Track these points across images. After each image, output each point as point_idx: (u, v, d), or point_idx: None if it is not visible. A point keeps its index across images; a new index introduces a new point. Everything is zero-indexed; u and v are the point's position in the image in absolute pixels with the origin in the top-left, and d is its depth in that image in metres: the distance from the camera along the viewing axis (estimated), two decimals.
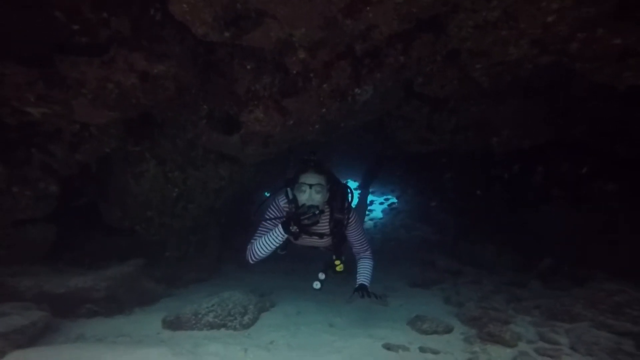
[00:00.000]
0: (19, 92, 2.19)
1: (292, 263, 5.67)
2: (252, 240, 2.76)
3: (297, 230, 2.61)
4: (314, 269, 2.88)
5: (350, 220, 2.75)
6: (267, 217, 2.72)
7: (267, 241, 2.65)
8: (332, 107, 2.87)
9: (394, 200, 10.36)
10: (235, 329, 2.99)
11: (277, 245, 2.66)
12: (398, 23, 2.06)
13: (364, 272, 2.93)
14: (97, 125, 2.59)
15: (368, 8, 1.92)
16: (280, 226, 2.59)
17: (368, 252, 2.99)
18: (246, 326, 3.06)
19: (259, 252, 2.70)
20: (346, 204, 2.74)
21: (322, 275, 2.82)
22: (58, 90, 2.17)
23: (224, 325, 2.99)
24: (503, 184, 5.15)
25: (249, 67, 2.58)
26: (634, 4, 1.76)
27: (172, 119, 3.03)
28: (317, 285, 2.79)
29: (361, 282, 2.87)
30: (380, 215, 10.96)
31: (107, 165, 3.18)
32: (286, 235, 2.60)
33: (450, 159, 5.11)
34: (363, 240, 2.95)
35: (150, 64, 2.21)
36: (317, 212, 2.48)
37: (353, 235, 2.86)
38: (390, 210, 10.19)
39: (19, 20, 1.98)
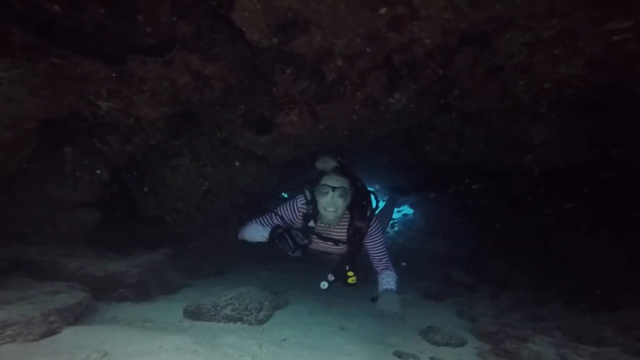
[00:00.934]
0: (96, 87, 2.37)
1: (306, 264, 5.76)
2: (251, 221, 2.77)
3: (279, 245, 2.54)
4: (326, 270, 2.85)
5: (371, 230, 2.62)
6: (278, 212, 2.67)
7: (254, 233, 2.65)
8: (363, 115, 2.90)
9: (409, 211, 10.23)
10: (250, 323, 3.05)
11: (260, 241, 2.65)
12: (442, 37, 2.06)
13: (390, 280, 2.69)
14: (148, 119, 2.74)
15: (414, 22, 1.92)
16: (268, 232, 2.57)
17: (389, 264, 2.79)
18: (261, 322, 3.12)
19: (247, 235, 2.72)
20: (369, 212, 2.61)
21: (331, 277, 2.72)
22: (126, 86, 2.33)
23: (240, 319, 3.05)
24: (528, 206, 5.03)
25: (288, 71, 2.64)
26: None
27: (210, 117, 3.15)
28: (324, 285, 2.71)
29: (389, 287, 2.63)
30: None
31: (147, 157, 3.34)
32: (267, 239, 2.57)
33: (476, 175, 5.01)
34: (384, 251, 2.77)
35: (203, 65, 2.32)
36: (298, 251, 2.47)
37: (373, 245, 2.71)
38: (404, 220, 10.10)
39: (107, 20, 2.13)
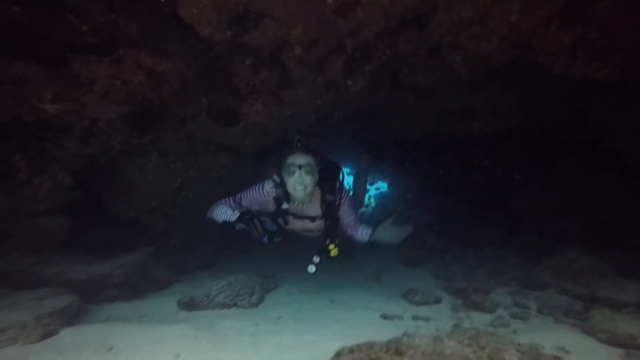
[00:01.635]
0: (38, 90, 2.32)
1: (289, 246, 5.94)
2: (221, 202, 2.77)
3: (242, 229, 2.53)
4: (310, 252, 2.93)
5: (342, 200, 2.68)
6: (247, 194, 2.68)
7: (221, 215, 2.64)
8: (326, 98, 3.09)
9: (383, 188, 10.60)
10: (244, 307, 3.19)
11: (226, 222, 2.63)
12: (385, 21, 2.28)
13: (365, 229, 2.85)
14: (105, 120, 2.74)
15: (358, 8, 2.12)
16: (237, 216, 2.55)
17: (360, 222, 2.91)
18: (254, 305, 3.26)
19: (214, 215, 2.71)
20: (337, 184, 2.66)
21: (316, 259, 2.76)
22: (72, 88, 2.31)
23: (234, 305, 3.19)
24: (485, 169, 5.50)
25: (247, 63, 2.75)
26: (574, 7, 2.05)
27: (173, 113, 3.19)
28: (312, 269, 2.73)
29: (370, 231, 2.78)
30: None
31: (112, 158, 3.32)
32: (233, 222, 2.55)
33: (434, 146, 5.38)
34: (353, 216, 2.86)
35: (156, 62, 2.37)
36: (265, 238, 2.47)
37: (343, 214, 2.78)
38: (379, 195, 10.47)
39: (33, 20, 2.07)
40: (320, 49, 2.70)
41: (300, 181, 2.44)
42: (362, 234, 2.87)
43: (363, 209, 10.70)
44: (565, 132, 3.89)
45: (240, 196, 2.72)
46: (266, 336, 2.53)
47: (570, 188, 4.52)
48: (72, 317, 2.40)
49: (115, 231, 3.83)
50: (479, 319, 2.87)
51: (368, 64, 2.84)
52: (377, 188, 10.70)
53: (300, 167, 2.41)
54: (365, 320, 2.89)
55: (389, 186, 10.62)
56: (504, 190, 5.51)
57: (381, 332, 2.62)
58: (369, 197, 10.55)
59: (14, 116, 2.40)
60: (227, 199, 2.77)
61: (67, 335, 2.18)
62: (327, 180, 2.64)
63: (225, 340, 2.37)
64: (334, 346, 1.67)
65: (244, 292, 3.29)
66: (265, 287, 3.65)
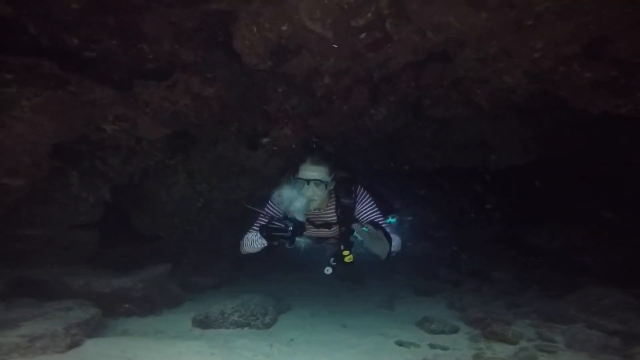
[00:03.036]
0: (103, 111, 2.55)
1: (300, 271, 5.93)
2: (247, 233, 2.62)
3: (268, 238, 2.35)
4: (326, 257, 2.66)
5: (359, 203, 2.47)
6: (265, 212, 2.55)
7: (252, 241, 2.51)
8: (349, 125, 3.25)
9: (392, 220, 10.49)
10: (258, 327, 3.20)
11: (260, 248, 2.49)
12: (413, 56, 2.48)
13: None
14: (149, 140, 2.92)
15: (389, 45, 2.32)
16: (258, 232, 2.42)
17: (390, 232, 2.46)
18: (267, 325, 3.26)
19: (247, 249, 2.56)
20: (353, 187, 2.49)
21: (333, 261, 2.53)
22: (131, 109, 2.53)
23: (248, 325, 3.19)
24: (499, 202, 5.52)
25: (280, 90, 2.95)
26: (596, 46, 2.23)
27: (205, 134, 3.38)
28: (328, 270, 2.51)
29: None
30: None
31: (144, 176, 3.47)
32: (264, 241, 2.38)
33: (450, 177, 5.46)
34: (381, 222, 2.51)
35: (203, 87, 2.58)
36: (290, 228, 2.23)
37: (366, 216, 2.50)
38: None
39: (117, 50, 2.35)
40: (348, 79, 2.89)
41: (313, 194, 2.33)
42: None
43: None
44: (586, 167, 3.96)
45: (260, 218, 2.62)
46: (280, 357, 2.53)
47: (590, 224, 4.50)
48: (95, 329, 2.46)
49: (135, 246, 3.91)
50: (502, 350, 2.80)
51: (392, 95, 3.02)
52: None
53: (308, 182, 2.31)
54: (380, 346, 2.86)
55: (399, 221, 10.48)
56: (520, 223, 5.49)
57: (398, 359, 2.61)
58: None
59: (82, 134, 2.63)
60: (249, 230, 2.67)
61: (90, 346, 2.23)
62: (342, 184, 2.50)
63: (240, 359, 2.38)
64: None
65: (257, 313, 3.30)
66: (278, 309, 3.65)
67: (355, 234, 2.56)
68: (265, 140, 3.44)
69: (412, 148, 4.01)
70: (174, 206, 3.81)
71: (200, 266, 4.53)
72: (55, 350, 2.02)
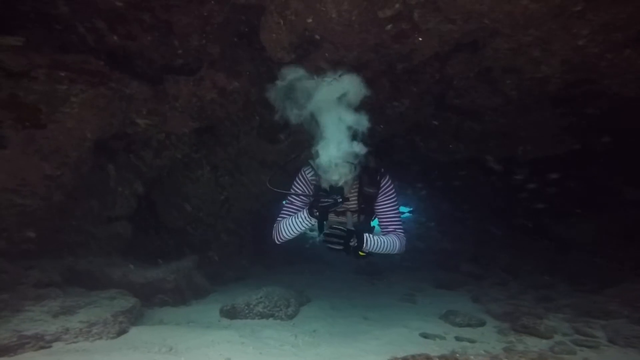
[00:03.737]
0: (138, 106, 2.63)
1: (317, 264, 5.99)
2: (279, 219, 2.51)
3: (322, 217, 2.25)
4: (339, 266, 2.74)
5: (382, 193, 2.37)
6: (294, 190, 2.45)
7: (293, 224, 2.40)
8: (371, 117, 3.19)
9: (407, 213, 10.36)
10: (281, 318, 3.26)
11: (304, 229, 2.39)
12: (440, 46, 2.40)
13: (385, 238, 2.36)
14: (177, 134, 3.00)
15: (416, 34, 2.25)
16: (304, 211, 2.32)
17: (399, 232, 2.48)
18: (290, 317, 3.32)
19: (285, 234, 2.45)
20: (378, 176, 2.38)
21: (353, 241, 2.35)
22: (162, 104, 2.60)
23: (272, 315, 3.27)
24: (525, 193, 5.32)
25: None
26: None
27: (229, 129, 3.42)
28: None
29: (369, 236, 2.29)
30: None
31: (171, 170, 3.58)
32: (312, 220, 2.30)
33: (472, 169, 5.29)
34: (393, 217, 2.46)
35: (228, 81, 2.61)
36: (339, 199, 2.14)
37: (382, 209, 2.43)
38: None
39: (151, 46, 2.42)
40: (370, 71, 2.85)
41: (336, 173, 2.18)
42: (381, 236, 2.42)
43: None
44: (624, 157, 3.74)
45: (290, 201, 2.52)
46: (305, 347, 2.58)
47: (629, 218, 4.27)
48: (136, 317, 2.60)
49: (163, 239, 4.05)
50: (534, 344, 2.68)
51: (415, 86, 2.95)
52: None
53: (336, 164, 2.17)
54: (405, 337, 2.84)
55: (410, 212, 10.36)
56: (550, 215, 5.28)
57: (425, 350, 2.54)
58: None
59: (120, 129, 2.71)
60: (282, 215, 2.56)
61: (135, 333, 2.37)
62: (367, 171, 2.37)
63: (268, 348, 2.46)
64: None
65: (280, 304, 3.36)
66: (300, 301, 3.70)
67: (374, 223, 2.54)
68: (285, 134, 3.45)
69: (434, 139, 3.92)
70: (199, 200, 3.91)
71: (222, 258, 4.64)
72: (109, 336, 2.19)
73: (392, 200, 2.47)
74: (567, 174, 4.51)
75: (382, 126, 3.32)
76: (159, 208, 3.88)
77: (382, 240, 2.36)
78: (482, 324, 3.20)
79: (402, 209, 10.48)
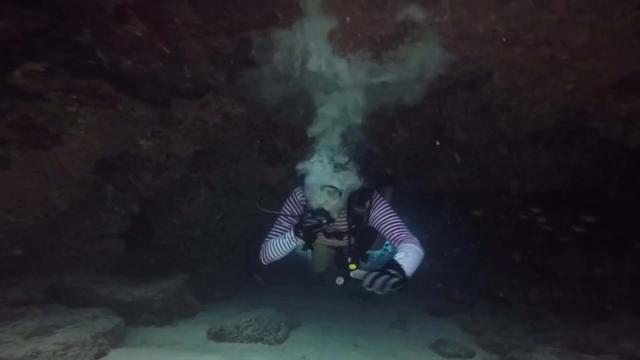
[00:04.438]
0: (142, 128, 2.66)
1: (309, 286, 5.94)
2: (266, 240, 2.47)
3: (307, 237, 2.21)
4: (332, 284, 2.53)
5: (374, 206, 2.26)
6: (283, 211, 2.42)
7: (280, 245, 2.35)
8: (370, 148, 3.27)
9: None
10: (271, 343, 3.21)
11: (290, 249, 2.34)
12: (439, 83, 2.50)
13: (406, 254, 2.09)
14: (178, 156, 3.02)
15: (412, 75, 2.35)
16: (291, 231, 2.28)
17: (411, 236, 2.25)
18: (280, 341, 3.28)
19: (271, 255, 2.40)
20: (367, 196, 2.30)
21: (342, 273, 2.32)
22: (166, 127, 2.63)
23: (261, 339, 3.22)
24: (519, 226, 5.38)
25: (301, 112, 2.99)
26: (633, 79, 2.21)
27: (229, 151, 3.46)
28: (340, 280, 2.33)
29: (397, 260, 2.02)
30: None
31: (168, 190, 3.57)
32: (298, 241, 2.25)
33: (467, 199, 5.36)
34: (395, 222, 2.27)
35: (233, 107, 2.67)
36: (324, 220, 2.07)
37: (379, 220, 2.28)
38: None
39: (162, 71, 2.47)
40: (372, 105, 2.92)
41: (324, 202, 2.13)
42: (404, 251, 2.14)
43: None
44: (612, 196, 3.87)
45: (279, 221, 2.48)
46: None
47: (614, 251, 4.37)
48: (118, 339, 2.54)
49: (155, 256, 4.00)
50: None
51: (414, 119, 3.04)
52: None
53: (322, 188, 2.12)
54: None
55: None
56: (539, 247, 5.36)
57: None
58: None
59: (122, 151, 2.73)
60: (269, 235, 2.54)
61: (114, 356, 2.31)
62: (358, 192, 2.28)
63: None
64: None
65: (270, 327, 3.32)
66: (290, 324, 3.66)
67: (370, 251, 2.56)
68: (284, 158, 3.49)
69: (431, 170, 4.00)
70: (195, 218, 3.89)
71: (214, 277, 4.58)
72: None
73: (385, 209, 2.32)
74: (561, 208, 4.61)
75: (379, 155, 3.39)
76: (152, 226, 3.85)
77: (410, 257, 2.07)
78: (471, 355, 3.22)
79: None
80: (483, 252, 6.28)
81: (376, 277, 1.82)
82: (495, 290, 5.39)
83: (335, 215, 2.19)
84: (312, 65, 2.21)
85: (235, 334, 3.17)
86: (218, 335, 3.13)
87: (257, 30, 2.20)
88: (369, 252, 2.83)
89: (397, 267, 1.93)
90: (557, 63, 2.12)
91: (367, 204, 2.29)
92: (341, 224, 2.36)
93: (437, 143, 3.30)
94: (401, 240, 2.21)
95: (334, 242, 2.48)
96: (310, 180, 2.13)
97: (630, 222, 4.07)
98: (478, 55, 2.07)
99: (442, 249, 7.60)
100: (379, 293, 1.81)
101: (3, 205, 2.29)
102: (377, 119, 2.95)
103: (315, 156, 2.18)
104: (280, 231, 2.46)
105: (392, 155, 3.46)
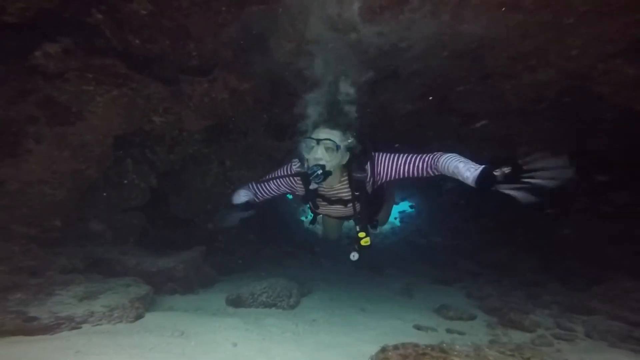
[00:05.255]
0: (155, 105, 2.79)
1: (320, 258, 6.18)
2: (244, 185, 2.61)
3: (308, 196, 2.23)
4: (342, 260, 2.76)
5: (379, 163, 2.19)
6: (275, 176, 2.47)
7: (237, 196, 2.49)
8: (375, 118, 3.33)
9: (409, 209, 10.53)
10: (283, 308, 3.43)
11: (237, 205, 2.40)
12: (442, 54, 2.51)
13: (462, 162, 1.97)
14: (189, 131, 3.16)
15: (415, 44, 2.37)
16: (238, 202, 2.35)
17: (435, 155, 2.14)
18: (292, 307, 3.49)
19: (234, 199, 2.53)
20: (369, 160, 2.22)
21: (356, 247, 2.38)
22: (177, 103, 2.75)
23: (275, 305, 3.43)
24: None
25: (308, 83, 3.05)
26: None
27: (238, 126, 3.57)
28: (354, 256, 2.38)
29: (468, 179, 1.88)
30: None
31: (182, 164, 3.74)
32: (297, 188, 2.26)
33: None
34: (412, 157, 2.19)
35: (239, 83, 2.76)
36: (319, 171, 2.00)
37: (395, 167, 2.18)
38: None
39: (168, 48, 2.56)
40: (374, 74, 2.96)
41: (318, 157, 2.06)
42: (462, 168, 1.94)
43: (387, 227, 10.22)
44: (620, 160, 3.85)
45: (268, 177, 2.51)
46: (305, 335, 2.75)
47: (620, 217, 4.40)
48: (149, 304, 2.78)
49: (172, 229, 4.23)
50: (518, 337, 2.89)
51: (418, 89, 3.05)
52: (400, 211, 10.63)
53: (318, 142, 2.07)
54: (398, 329, 3.01)
55: (412, 207, 10.54)
56: (545, 216, 5.41)
57: (416, 341, 2.72)
58: (395, 217, 10.59)
59: (138, 126, 2.89)
60: (251, 183, 2.60)
61: (150, 319, 2.56)
62: (356, 158, 2.23)
63: (271, 335, 2.63)
64: (370, 349, 1.82)
65: (283, 294, 3.52)
66: (301, 292, 3.88)
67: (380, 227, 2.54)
68: (290, 132, 3.57)
69: (436, 140, 4.04)
70: (207, 192, 4.07)
71: (228, 249, 4.82)
72: (128, 320, 2.39)
73: (391, 159, 2.22)
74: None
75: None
76: (170, 200, 4.06)
77: (463, 161, 1.97)
78: (472, 318, 3.38)
79: (404, 204, 10.65)
80: (489, 223, 6.36)
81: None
82: (500, 260, 5.52)
83: (332, 170, 2.11)
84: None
85: (251, 300, 3.38)
86: (235, 302, 3.35)
87: (260, 4, 2.24)
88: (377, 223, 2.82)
89: (481, 182, 1.81)
90: (561, 28, 2.09)
91: (368, 167, 2.22)
92: (344, 191, 2.33)
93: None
94: (433, 165, 2.11)
95: (339, 210, 2.44)
96: (306, 136, 2.12)
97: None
98: (479, 22, 2.06)
99: (450, 222, 7.74)
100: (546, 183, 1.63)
101: (41, 177, 2.48)
102: (382, 88, 2.99)
103: (311, 114, 2.16)
104: (260, 186, 2.53)
105: (396, 125, 3.50)
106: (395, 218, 10.52)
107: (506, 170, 1.78)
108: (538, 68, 2.46)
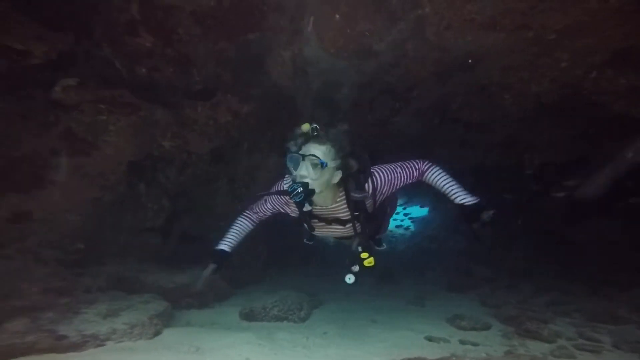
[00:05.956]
0: (163, 130, 3.01)
1: (328, 268, 6.19)
2: (244, 214, 2.59)
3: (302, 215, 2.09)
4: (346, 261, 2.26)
5: (379, 181, 2.07)
6: (268, 199, 2.36)
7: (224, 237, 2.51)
8: (373, 132, 3.39)
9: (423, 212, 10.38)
10: (294, 321, 3.47)
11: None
12: (434, 69, 2.57)
13: (451, 186, 2.03)
14: (197, 153, 3.34)
15: (407, 61, 2.45)
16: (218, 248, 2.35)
17: (420, 165, 2.13)
18: (303, 319, 3.53)
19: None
20: (367, 179, 2.05)
21: (355, 268, 2.20)
22: (183, 127, 2.95)
23: (286, 318, 3.48)
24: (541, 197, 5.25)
25: (307, 103, 3.18)
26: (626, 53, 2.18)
27: (242, 145, 3.72)
28: (350, 279, 2.19)
29: (463, 200, 1.97)
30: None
31: (194, 184, 3.92)
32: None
33: (484, 174, 5.30)
34: (400, 168, 2.13)
35: (240, 105, 2.92)
36: (299, 189, 1.84)
37: (392, 182, 2.11)
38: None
39: (172, 75, 2.76)
40: (371, 91, 3.05)
41: (302, 175, 1.90)
42: (452, 191, 2.06)
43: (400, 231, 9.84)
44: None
45: (263, 194, 2.37)
46: (316, 348, 2.76)
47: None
48: (167, 320, 2.90)
49: (186, 246, 4.39)
50: (536, 348, 2.72)
51: (415, 102, 3.11)
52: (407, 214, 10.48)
53: (303, 157, 1.91)
54: (409, 340, 2.95)
55: (429, 210, 10.39)
56: (561, 220, 5.24)
57: (427, 353, 2.56)
58: (408, 226, 10.43)
59: (148, 152, 3.08)
60: (250, 209, 2.50)
61: (168, 335, 2.67)
62: (353, 176, 2.06)
63: (282, 349, 2.67)
64: None
65: (294, 307, 3.56)
66: (311, 304, 3.93)
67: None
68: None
69: (442, 148, 4.05)
70: (219, 209, 4.23)
71: (241, 264, 4.94)
72: (147, 337, 2.50)
73: (388, 176, 2.12)
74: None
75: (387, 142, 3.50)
76: (183, 219, 4.23)
77: (454, 186, 2.06)
78: (487, 327, 3.27)
79: (418, 210, 10.39)
80: (504, 227, 6.21)
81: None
82: (517, 265, 5.37)
83: (316, 189, 1.93)
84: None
85: (263, 314, 3.45)
86: (249, 316, 3.43)
87: (254, 32, 2.37)
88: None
89: (471, 210, 1.96)
90: (546, 42, 2.12)
91: (368, 187, 2.08)
92: (340, 210, 2.18)
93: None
94: (420, 171, 2.13)
95: (338, 230, 2.29)
96: (292, 152, 1.97)
97: None
98: (465, 41, 2.11)
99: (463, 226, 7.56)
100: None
101: (64, 206, 2.70)
102: (378, 103, 3.06)
103: (299, 129, 2.00)
104: (255, 213, 2.50)
105: (395, 138, 3.55)
106: (402, 221, 10.37)
107: (487, 216, 1.93)
108: (531, 80, 2.47)
